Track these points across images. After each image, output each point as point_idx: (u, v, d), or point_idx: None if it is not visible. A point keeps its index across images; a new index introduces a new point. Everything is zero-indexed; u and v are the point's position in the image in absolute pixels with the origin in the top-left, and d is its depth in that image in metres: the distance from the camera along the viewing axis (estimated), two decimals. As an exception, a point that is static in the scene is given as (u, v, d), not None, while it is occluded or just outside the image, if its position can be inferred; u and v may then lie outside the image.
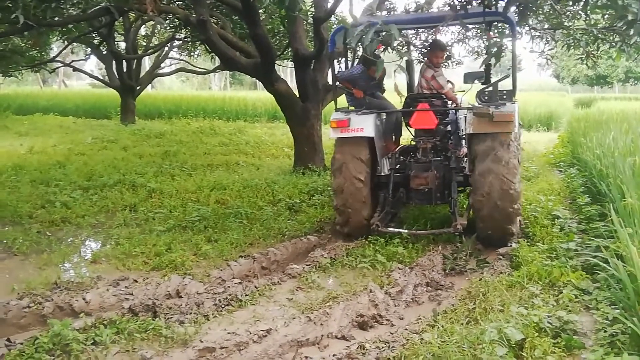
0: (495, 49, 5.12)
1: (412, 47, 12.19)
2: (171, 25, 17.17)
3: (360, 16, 10.28)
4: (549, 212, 7.17)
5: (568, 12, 9.95)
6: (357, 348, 4.04)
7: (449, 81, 7.89)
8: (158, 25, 20.42)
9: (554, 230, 6.48)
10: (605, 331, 3.91)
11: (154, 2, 7.69)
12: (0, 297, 4.91)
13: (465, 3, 5.55)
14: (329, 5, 10.42)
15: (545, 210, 7.24)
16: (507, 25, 8.60)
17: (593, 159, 8.43)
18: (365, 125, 6.67)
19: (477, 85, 7.31)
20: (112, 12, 8.95)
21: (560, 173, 11.15)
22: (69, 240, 7.03)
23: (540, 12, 9.88)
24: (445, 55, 8.66)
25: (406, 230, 6.58)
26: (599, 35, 9.55)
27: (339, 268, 5.92)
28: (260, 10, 12.36)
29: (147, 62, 30.50)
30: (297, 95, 10.95)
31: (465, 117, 7.02)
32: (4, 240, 6.79)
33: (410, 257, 6.13)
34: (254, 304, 4.96)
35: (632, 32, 4.85)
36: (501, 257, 5.88)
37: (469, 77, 7.51)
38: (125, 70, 20.84)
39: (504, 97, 6.64)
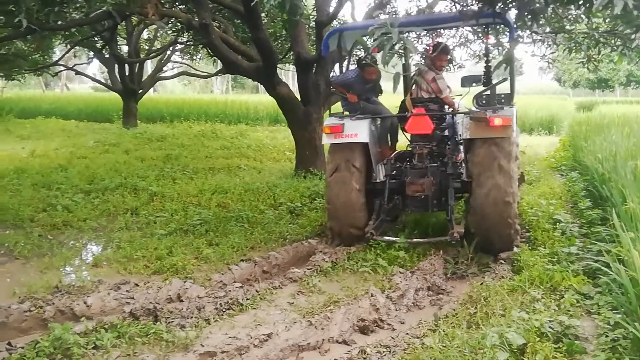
0: (505, 52, 5.09)
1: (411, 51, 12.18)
2: (173, 29, 17.19)
3: (363, 20, 10.31)
4: (551, 216, 7.15)
5: (570, 16, 9.95)
6: (358, 352, 4.03)
7: (447, 86, 7.81)
8: (160, 29, 20.45)
9: (555, 235, 6.46)
10: (606, 336, 3.90)
11: (156, 7, 7.71)
12: (2, 300, 4.90)
13: (467, 5, 5.55)
14: (331, 9, 10.45)
15: (546, 214, 7.22)
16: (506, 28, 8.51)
17: (594, 163, 8.41)
18: (359, 131, 6.54)
19: (475, 90, 7.14)
20: (114, 16, 8.99)
21: (561, 177, 11.13)
22: (70, 243, 7.04)
23: (542, 16, 9.87)
24: (447, 59, 8.53)
25: (402, 239, 6.42)
26: (600, 39, 9.54)
27: (340, 272, 5.91)
28: (262, 14, 12.39)
29: (149, 66, 30.53)
30: (299, 99, 10.96)
31: (462, 121, 6.84)
32: (5, 243, 6.79)
33: (412, 261, 6.12)
34: (255, 308, 4.96)
35: (634, 36, 4.84)
36: (502, 262, 5.86)
37: (466, 81, 7.37)
38: (127, 73, 20.88)
39: (502, 101, 6.56)
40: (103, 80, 26.56)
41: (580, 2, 5.31)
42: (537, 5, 5.07)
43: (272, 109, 23.94)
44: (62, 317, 4.53)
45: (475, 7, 5.88)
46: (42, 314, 4.52)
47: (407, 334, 4.33)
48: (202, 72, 25.19)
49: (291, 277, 5.68)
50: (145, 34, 22.58)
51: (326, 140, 6.69)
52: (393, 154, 7.37)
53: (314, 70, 10.80)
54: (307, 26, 12.47)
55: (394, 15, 12.08)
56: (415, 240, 6.45)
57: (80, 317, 4.49)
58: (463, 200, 7.31)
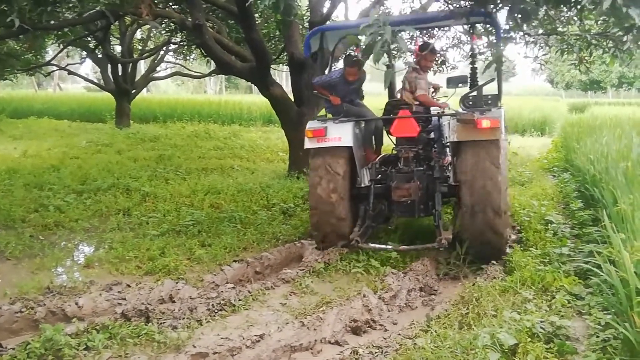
0: (494, 52, 5.08)
1: (398, 51, 12.14)
2: (167, 29, 17.16)
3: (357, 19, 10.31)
4: (542, 217, 7.19)
5: (562, 18, 9.99)
6: (351, 353, 4.04)
7: (434, 86, 7.68)
8: (154, 29, 20.41)
9: (547, 235, 6.49)
10: (597, 336, 3.93)
11: (150, 7, 7.70)
12: (-7, 301, 4.89)
13: (459, 5, 5.53)
14: (325, 9, 10.45)
15: (538, 215, 7.25)
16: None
17: (586, 164, 8.46)
18: (343, 134, 6.33)
19: (462, 91, 6.99)
20: (108, 16, 8.96)
21: (553, 178, 11.19)
22: (62, 244, 7.01)
23: (534, 17, 9.91)
24: (434, 60, 8.30)
25: (388, 246, 6.24)
26: (592, 40, 9.58)
27: (333, 273, 5.92)
28: (256, 15, 12.38)
29: (142, 66, 30.46)
30: (292, 100, 10.96)
31: (449, 123, 6.65)
32: (-4, 244, 6.75)
33: (404, 262, 6.12)
34: (247, 309, 4.96)
35: (626, 38, 4.86)
36: (494, 263, 5.87)
37: (452, 81, 7.22)
38: (120, 73, 20.82)
39: (489, 102, 6.39)
40: (96, 80, 26.47)
41: (572, 3, 5.32)
42: (529, 6, 5.07)
43: (265, 110, 23.91)
44: (53, 318, 4.51)
45: (467, 7, 5.82)
46: (33, 315, 4.50)
47: (399, 334, 4.34)
48: (195, 72, 25.14)
49: (284, 277, 5.68)
50: (138, 34, 22.50)
51: (309, 145, 6.44)
52: (378, 158, 7.14)
53: (307, 71, 10.79)
54: (301, 27, 12.47)
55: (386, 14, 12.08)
56: (401, 247, 6.22)
57: (71, 318, 4.47)
58: (450, 205, 7.22)
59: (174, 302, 4.90)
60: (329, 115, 7.08)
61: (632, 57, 9.23)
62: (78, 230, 7.47)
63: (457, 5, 5.71)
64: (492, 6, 5.51)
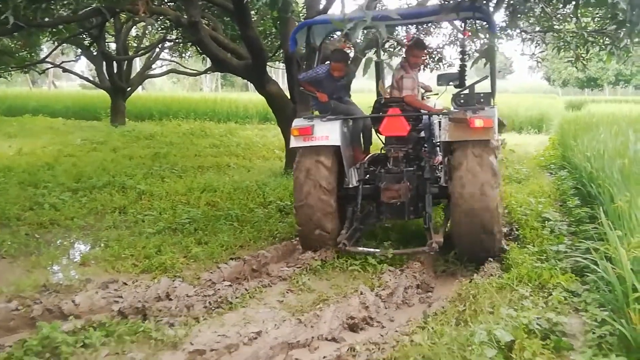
0: (486, 48, 5.02)
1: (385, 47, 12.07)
2: (162, 27, 17.12)
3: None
4: (539, 215, 7.20)
5: (559, 15, 10.01)
6: (348, 350, 4.03)
7: (424, 87, 7.51)
8: (149, 27, 20.36)
9: (544, 233, 6.50)
10: (593, 333, 3.92)
11: (146, 3, 7.68)
12: (-12, 299, 4.87)
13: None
14: (321, 6, 10.43)
15: (535, 213, 7.26)
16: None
17: (583, 162, 8.48)
18: (330, 133, 6.13)
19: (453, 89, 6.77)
20: (104, 13, 8.93)
21: (550, 175, 11.21)
22: (58, 242, 6.99)
23: (531, 15, 9.93)
24: (424, 56, 7.95)
25: (377, 250, 6.06)
26: (589, 38, 9.61)
27: (330, 270, 5.90)
28: (252, 12, 12.35)
29: (137, 64, 30.37)
30: (289, 97, 10.94)
31: (440, 122, 6.49)
32: (-8, 242, 6.73)
33: (401, 260, 6.12)
34: (244, 307, 4.95)
35: (622, 34, 4.85)
36: (491, 260, 5.87)
37: (443, 79, 7.00)
38: (115, 71, 20.76)
39: (482, 100, 6.20)
40: (91, 78, 26.39)
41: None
42: (518, 3, 5.04)
43: (261, 107, 23.90)
44: (50, 316, 4.48)
45: (457, 0, 5.69)
46: (29, 313, 4.47)
47: (396, 331, 4.34)
48: (191, 69, 25.09)
49: (280, 275, 5.67)
50: (133, 32, 22.46)
51: (294, 144, 6.24)
52: (367, 158, 6.93)
53: (303, 68, 10.76)
54: (297, 24, 12.43)
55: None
56: (391, 251, 6.02)
57: (68, 316, 4.45)
58: (441, 206, 7.11)
59: (170, 299, 4.88)
60: (317, 113, 6.87)
61: (629, 54, 9.26)
62: (74, 228, 7.44)
63: (448, 0, 5.58)
64: (483, 0, 5.42)
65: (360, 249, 6.10)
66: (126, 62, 21.43)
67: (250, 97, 29.33)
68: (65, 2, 10.00)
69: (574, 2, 5.19)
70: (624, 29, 4.75)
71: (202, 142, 16.19)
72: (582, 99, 40.41)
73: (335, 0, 10.27)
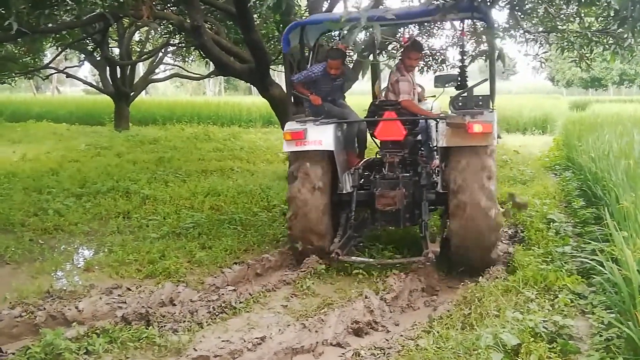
0: (498, 52, 4.95)
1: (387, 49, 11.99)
2: (165, 31, 17.13)
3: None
4: (544, 216, 7.17)
5: (562, 15, 9.98)
6: (353, 355, 4.03)
7: (420, 86, 7.26)
8: (152, 31, 20.39)
9: (549, 234, 6.47)
10: (600, 335, 3.91)
11: (150, 8, 7.69)
12: (-8, 306, 4.86)
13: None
14: (324, 9, 10.42)
15: (540, 214, 7.24)
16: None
17: (588, 162, 8.44)
18: (323, 137, 5.92)
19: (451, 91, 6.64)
20: (108, 18, 8.94)
21: (555, 176, 11.18)
22: (62, 248, 6.99)
23: (534, 15, 9.90)
24: (420, 58, 7.69)
25: (371, 260, 5.92)
26: (593, 38, 9.57)
27: (334, 274, 5.88)
28: (255, 15, 12.36)
29: (141, 68, 30.42)
30: (292, 100, 10.90)
31: (438, 125, 6.27)
32: (-4, 248, 6.73)
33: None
34: (248, 312, 4.94)
35: (625, 32, 4.82)
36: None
37: (440, 80, 6.84)
38: (119, 76, 20.78)
39: (480, 103, 5.98)
40: (94, 83, 26.43)
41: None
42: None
43: (265, 111, 23.89)
44: (53, 322, 4.49)
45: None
46: (33, 319, 4.48)
47: (402, 335, 4.33)
48: (194, 74, 25.11)
49: (285, 279, 5.65)
50: (136, 36, 22.49)
51: (287, 148, 6.03)
52: (361, 163, 6.74)
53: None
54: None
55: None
56: (386, 261, 5.90)
57: (71, 322, 4.45)
58: (436, 213, 6.97)
59: (174, 305, 4.88)
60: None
61: (633, 54, 9.22)
62: (78, 233, 7.45)
63: (447, 0, 5.49)
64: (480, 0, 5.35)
65: (354, 258, 5.90)
66: (129, 66, 21.45)
67: (254, 100, 29.35)
68: (68, 8, 10.02)
69: (576, 3, 5.15)
70: (626, 26, 4.73)
71: (206, 146, 16.19)
72: (586, 99, 40.32)
73: (337, 3, 10.26)
